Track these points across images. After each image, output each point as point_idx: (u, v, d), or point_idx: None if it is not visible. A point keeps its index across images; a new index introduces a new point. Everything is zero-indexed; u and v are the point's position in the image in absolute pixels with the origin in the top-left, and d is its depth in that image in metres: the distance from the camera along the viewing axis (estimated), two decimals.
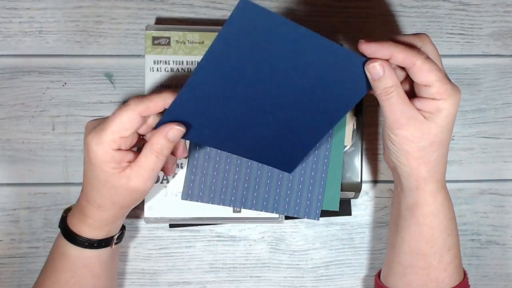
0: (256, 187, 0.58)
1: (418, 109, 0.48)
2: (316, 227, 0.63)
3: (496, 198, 0.64)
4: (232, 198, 0.58)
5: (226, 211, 0.58)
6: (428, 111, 0.48)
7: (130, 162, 0.49)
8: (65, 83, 0.62)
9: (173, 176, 0.58)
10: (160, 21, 0.62)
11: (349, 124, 0.58)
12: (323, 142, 0.57)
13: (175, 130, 0.48)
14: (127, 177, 0.49)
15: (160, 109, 0.48)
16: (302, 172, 0.58)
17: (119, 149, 0.48)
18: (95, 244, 0.52)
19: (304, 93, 0.47)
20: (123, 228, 0.56)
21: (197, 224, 0.62)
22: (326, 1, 0.63)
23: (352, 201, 0.63)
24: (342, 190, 0.58)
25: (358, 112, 0.58)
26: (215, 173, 0.58)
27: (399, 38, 0.49)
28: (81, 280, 0.53)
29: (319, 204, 0.58)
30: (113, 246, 0.54)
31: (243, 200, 0.58)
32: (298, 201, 0.58)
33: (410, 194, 0.52)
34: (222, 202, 0.58)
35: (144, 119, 0.49)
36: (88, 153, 0.48)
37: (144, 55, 0.58)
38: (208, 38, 0.58)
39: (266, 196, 0.58)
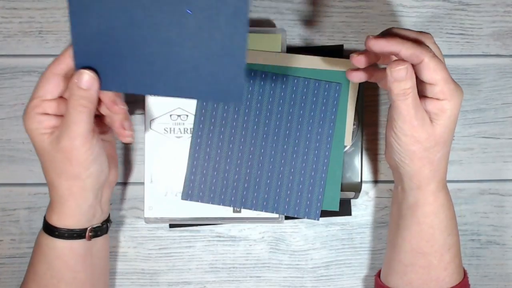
0: (256, 187, 0.58)
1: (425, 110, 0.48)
2: (316, 227, 0.63)
3: (496, 198, 0.64)
4: (232, 198, 0.58)
5: (226, 211, 0.58)
6: (433, 111, 0.48)
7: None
8: None
9: (131, 141, 0.53)
10: None
11: (349, 124, 0.58)
12: (323, 142, 0.58)
13: (83, 75, 0.46)
14: (56, 138, 0.48)
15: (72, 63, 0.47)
16: (302, 172, 0.58)
17: (46, 114, 0.48)
18: (66, 234, 0.51)
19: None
20: (106, 222, 0.55)
21: (197, 224, 0.62)
22: (327, 1, 0.63)
23: (352, 201, 0.63)
24: (342, 190, 0.58)
25: (358, 112, 0.58)
26: (215, 173, 0.58)
27: (404, 33, 0.49)
28: (58, 273, 0.52)
29: (319, 204, 0.58)
30: (90, 239, 0.52)
31: (243, 200, 0.58)
32: (298, 201, 0.58)
33: (411, 194, 0.52)
34: (222, 202, 0.58)
35: (67, 79, 0.48)
36: (25, 129, 0.49)
37: None
38: None
39: (266, 196, 0.58)
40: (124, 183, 0.62)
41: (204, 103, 0.57)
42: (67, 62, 0.48)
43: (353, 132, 0.58)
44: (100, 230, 0.54)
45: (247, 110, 0.58)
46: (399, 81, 0.47)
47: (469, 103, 0.64)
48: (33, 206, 0.62)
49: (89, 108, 0.47)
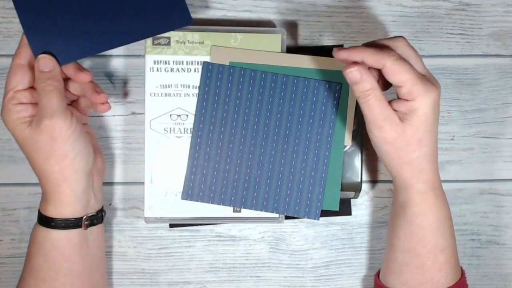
0: (256, 187, 0.58)
1: (395, 110, 0.50)
2: (316, 227, 0.63)
3: (496, 198, 0.64)
4: (232, 198, 0.58)
5: (226, 211, 0.58)
6: (403, 111, 0.50)
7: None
8: None
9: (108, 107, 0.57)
10: None
11: (349, 124, 0.58)
12: (323, 142, 0.58)
13: (41, 59, 0.50)
14: (36, 123, 0.50)
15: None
16: (302, 172, 0.58)
17: (22, 103, 0.51)
18: (62, 224, 0.52)
19: None
20: (100, 212, 0.56)
21: (197, 224, 0.62)
22: (326, 1, 0.63)
23: (352, 201, 0.63)
24: (342, 190, 0.58)
25: (358, 112, 0.58)
26: (215, 173, 0.58)
27: (373, 43, 0.52)
28: (54, 265, 0.52)
29: (319, 204, 0.58)
30: (86, 228, 0.53)
31: (243, 200, 0.58)
32: (298, 201, 0.58)
33: (401, 193, 0.53)
34: (222, 202, 0.58)
35: (31, 68, 0.51)
36: (5, 123, 0.51)
37: (144, 55, 0.58)
38: (208, 38, 0.58)
39: (266, 196, 0.58)
40: (124, 183, 0.62)
41: (204, 103, 0.57)
42: (26, 50, 0.51)
43: (353, 132, 0.58)
44: (96, 218, 0.55)
45: (247, 110, 0.58)
46: (355, 83, 0.49)
47: (469, 103, 0.64)
48: (33, 206, 0.62)
49: (56, 86, 0.50)
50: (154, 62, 0.58)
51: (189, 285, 0.63)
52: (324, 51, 0.57)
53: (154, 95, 0.58)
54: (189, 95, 0.58)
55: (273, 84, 0.57)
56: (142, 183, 0.58)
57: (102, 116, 0.61)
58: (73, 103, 0.57)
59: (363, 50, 0.49)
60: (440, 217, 0.52)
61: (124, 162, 0.62)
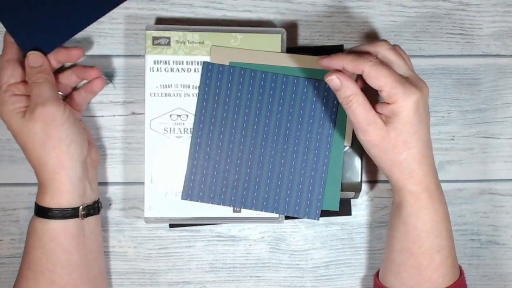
0: (256, 187, 0.58)
1: (380, 113, 0.51)
2: (316, 227, 0.63)
3: (496, 198, 0.64)
4: (232, 198, 0.58)
5: (226, 211, 0.58)
6: (386, 114, 0.50)
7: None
8: None
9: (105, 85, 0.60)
10: (160, 21, 0.62)
11: (349, 124, 0.58)
12: (323, 142, 0.58)
13: (30, 56, 0.54)
14: (30, 112, 0.52)
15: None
16: (302, 172, 0.58)
17: (16, 95, 0.53)
18: (59, 214, 0.53)
19: None
20: (96, 203, 0.56)
21: (197, 224, 0.62)
22: (326, 1, 0.63)
23: (352, 201, 0.63)
24: (342, 190, 0.59)
25: None
26: (215, 173, 0.58)
27: (356, 49, 0.53)
28: (52, 256, 0.53)
29: (319, 204, 0.58)
30: (83, 218, 0.54)
31: (243, 200, 0.58)
32: (298, 201, 0.58)
33: (396, 194, 0.54)
34: (222, 202, 0.58)
35: (20, 63, 0.55)
36: (0, 114, 0.54)
37: (144, 55, 0.58)
38: (208, 38, 0.58)
39: (266, 196, 0.58)
40: (124, 183, 0.62)
41: (204, 103, 0.58)
42: (12, 48, 0.55)
43: (353, 132, 0.58)
44: (92, 209, 0.56)
45: (247, 110, 0.58)
46: (337, 90, 0.51)
47: (469, 103, 0.64)
48: (33, 206, 0.62)
49: (47, 78, 0.54)
50: (154, 62, 0.58)
51: (189, 285, 0.63)
52: (324, 51, 0.57)
53: (154, 95, 0.58)
54: (189, 95, 0.58)
55: (273, 84, 0.57)
56: (142, 183, 0.58)
57: (102, 116, 0.61)
58: (66, 99, 0.58)
59: (343, 57, 0.50)
60: (434, 218, 0.52)
61: (124, 162, 0.62)
